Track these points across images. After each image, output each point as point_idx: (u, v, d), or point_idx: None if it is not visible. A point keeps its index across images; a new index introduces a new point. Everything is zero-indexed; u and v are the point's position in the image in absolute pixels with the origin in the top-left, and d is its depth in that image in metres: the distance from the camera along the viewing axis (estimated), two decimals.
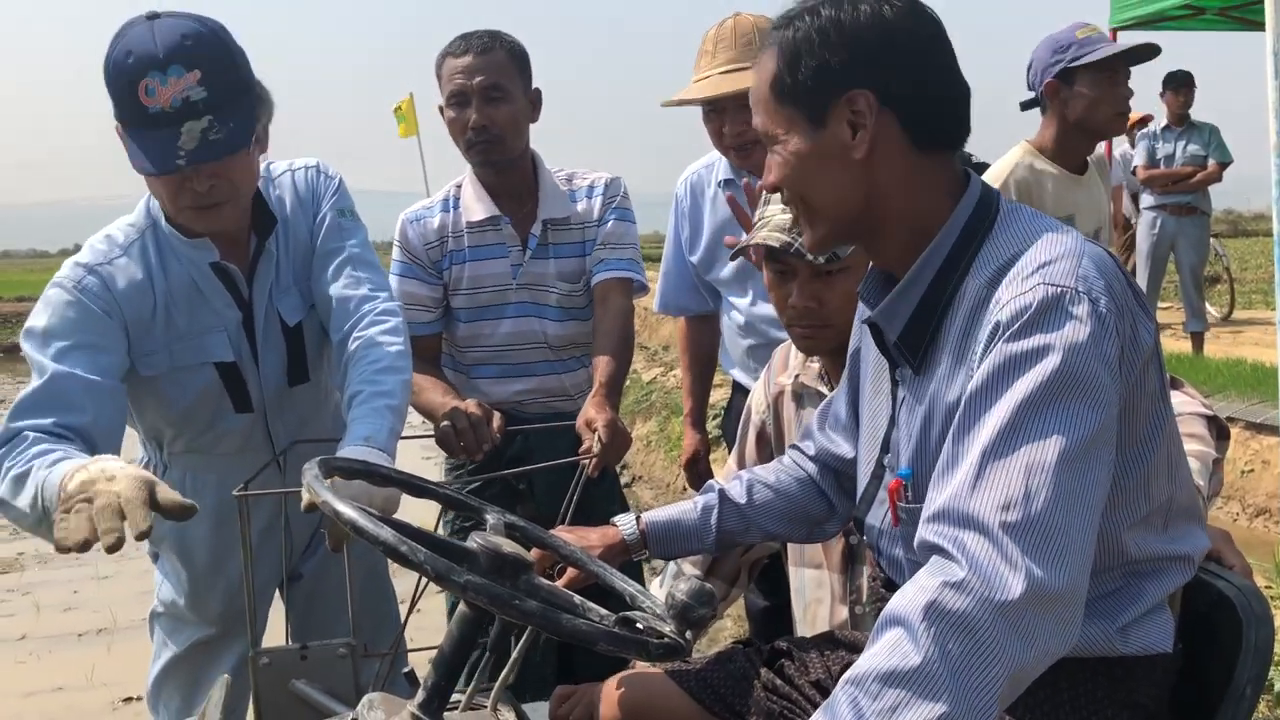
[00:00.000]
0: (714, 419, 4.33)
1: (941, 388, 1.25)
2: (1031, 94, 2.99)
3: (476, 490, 2.17)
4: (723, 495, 1.64)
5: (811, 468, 1.66)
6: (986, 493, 1.08)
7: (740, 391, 2.93)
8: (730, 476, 2.02)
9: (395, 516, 1.20)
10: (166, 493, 1.47)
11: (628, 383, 8.65)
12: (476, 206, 2.46)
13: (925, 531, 1.11)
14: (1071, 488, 1.07)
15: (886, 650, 1.03)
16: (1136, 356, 1.18)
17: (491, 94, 2.34)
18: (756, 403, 2.05)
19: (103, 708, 3.96)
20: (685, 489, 6.41)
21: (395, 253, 2.53)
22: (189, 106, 1.71)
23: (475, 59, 2.34)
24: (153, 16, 1.77)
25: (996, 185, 2.84)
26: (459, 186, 2.52)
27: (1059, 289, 1.14)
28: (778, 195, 1.40)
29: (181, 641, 2.15)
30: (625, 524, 1.62)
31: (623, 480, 6.98)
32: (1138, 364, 1.18)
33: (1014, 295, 1.16)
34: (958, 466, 1.12)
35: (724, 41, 2.46)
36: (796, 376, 1.94)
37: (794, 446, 1.71)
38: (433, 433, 2.21)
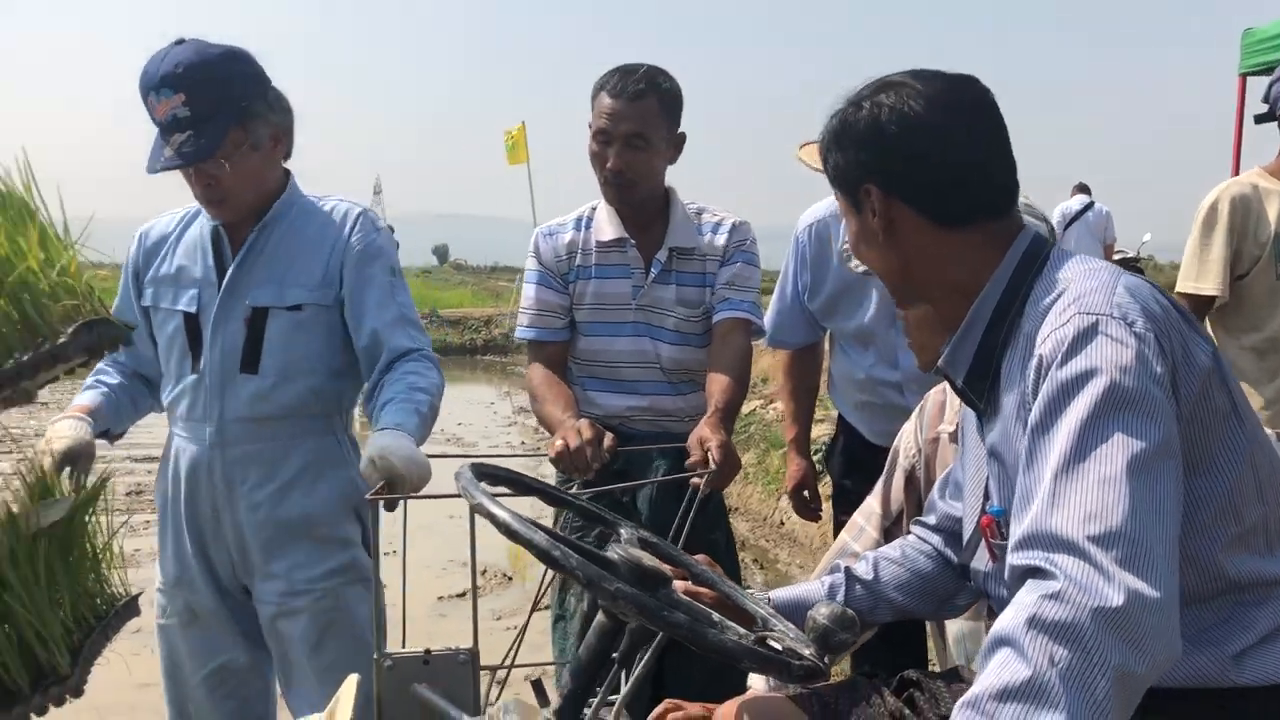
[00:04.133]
0: (815, 453, 4.30)
1: (1009, 426, 1.32)
2: (1266, 106, 2.96)
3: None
4: (849, 574, 1.67)
5: (936, 539, 1.69)
6: (1066, 511, 1.10)
7: (846, 431, 2.91)
8: (854, 532, 2.02)
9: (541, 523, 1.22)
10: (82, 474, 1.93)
11: None
12: (607, 228, 2.53)
13: (1014, 559, 1.14)
14: (1145, 497, 1.10)
15: (996, 669, 1.05)
16: (1192, 375, 1.22)
17: (634, 142, 2.40)
18: (905, 446, 2.05)
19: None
20: (783, 522, 6.37)
21: (529, 263, 2.63)
22: (175, 122, 2.09)
23: (625, 105, 2.38)
24: (178, 42, 2.14)
25: (1210, 200, 2.82)
26: (594, 208, 2.60)
27: (1094, 316, 1.20)
28: None
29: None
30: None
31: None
32: (1195, 383, 1.22)
33: (1053, 329, 1.22)
34: (1034, 495, 1.16)
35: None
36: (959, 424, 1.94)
37: (917, 522, 1.75)
38: (545, 452, 2.26)
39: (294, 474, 2.29)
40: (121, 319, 1.40)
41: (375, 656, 1.78)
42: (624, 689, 1.33)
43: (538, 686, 1.35)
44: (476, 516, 1.83)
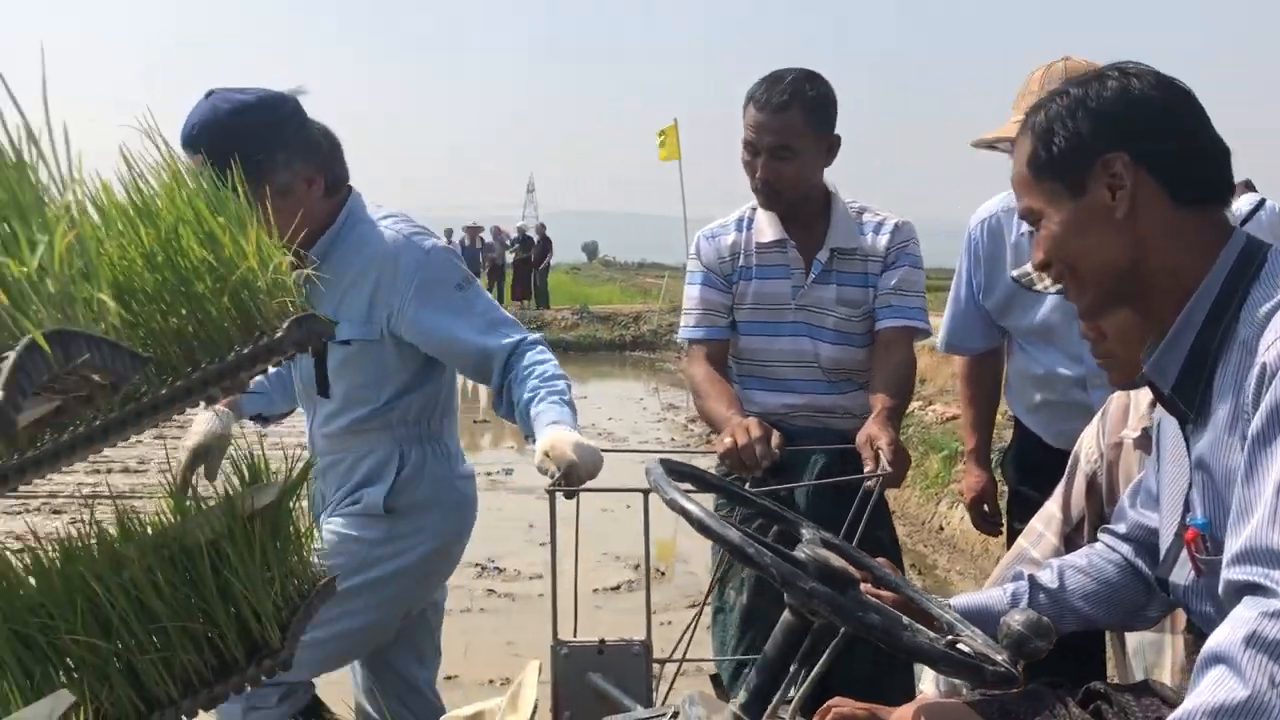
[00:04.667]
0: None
1: (1223, 436, 1.27)
2: None
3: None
4: (1033, 581, 1.63)
5: (1126, 549, 1.63)
6: None
7: (1024, 435, 2.83)
8: (1032, 538, 1.97)
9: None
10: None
11: None
12: (767, 229, 2.55)
13: (1231, 574, 1.11)
14: None
15: (1210, 687, 1.02)
16: None
17: (779, 153, 2.41)
18: (1086, 451, 1.99)
19: None
20: (942, 527, 6.24)
21: (691, 264, 2.68)
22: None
23: (769, 116, 2.38)
24: (209, 95, 2.14)
25: None
26: (754, 209, 2.60)
27: None
28: None
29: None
30: None
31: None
32: None
33: (1277, 336, 1.18)
34: (1254, 508, 1.12)
35: (1052, 83, 2.40)
36: (1145, 429, 1.87)
37: (1105, 529, 1.69)
38: (715, 448, 2.28)
39: (362, 478, 2.41)
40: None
41: (552, 644, 1.82)
42: (802, 687, 1.34)
43: (716, 680, 1.36)
44: (649, 511, 1.88)
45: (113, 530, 1.42)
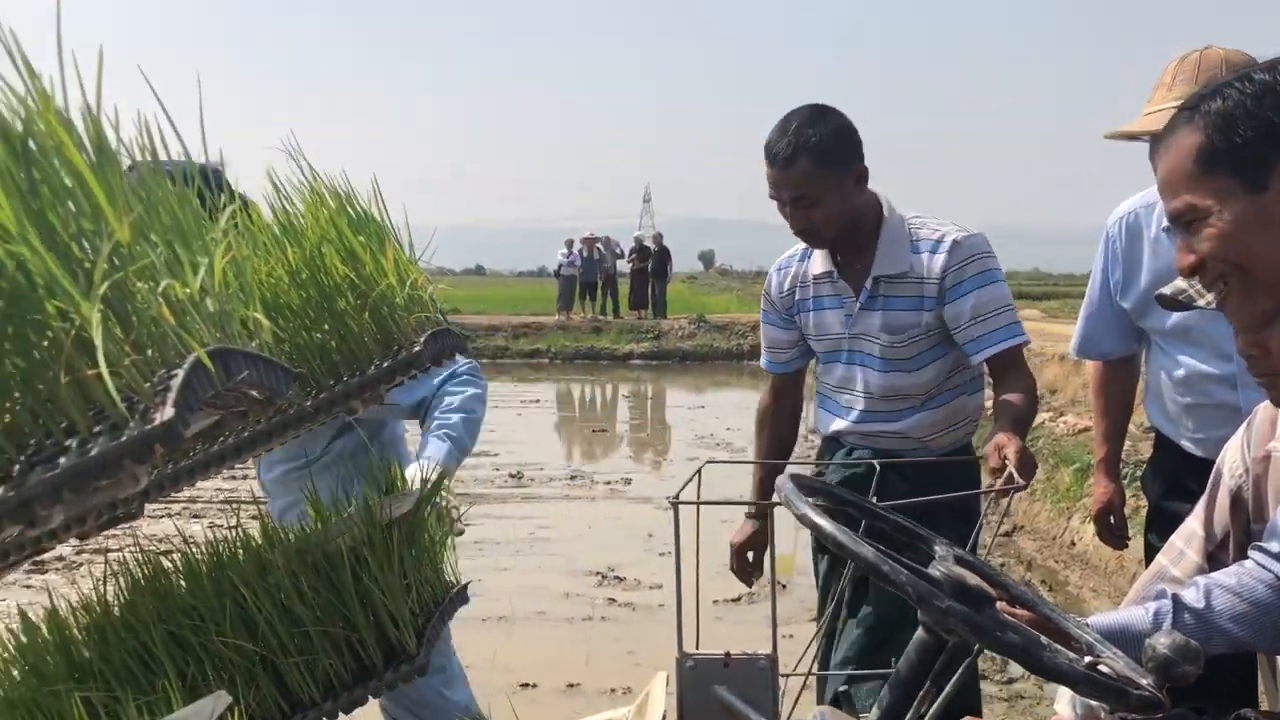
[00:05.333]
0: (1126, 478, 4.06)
1: None
2: None
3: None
4: (1177, 602, 1.55)
5: (1279, 568, 1.55)
6: None
7: (1165, 447, 2.73)
8: (1172, 555, 1.90)
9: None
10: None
11: None
12: (819, 260, 2.58)
13: None
14: None
15: None
16: None
17: (801, 203, 2.37)
18: (1230, 465, 1.90)
19: (504, 689, 4.32)
20: (1074, 542, 6.05)
21: (763, 296, 2.75)
22: None
23: (779, 173, 2.35)
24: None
25: None
26: None
27: None
28: None
29: None
30: None
31: (1004, 528, 6.70)
32: None
33: None
34: None
35: (1184, 75, 2.31)
36: None
37: (1256, 547, 1.60)
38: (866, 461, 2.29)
39: None
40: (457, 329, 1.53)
41: (677, 656, 1.83)
42: (934, 706, 1.31)
43: (845, 696, 1.34)
44: (776, 525, 1.88)
45: (258, 536, 1.49)
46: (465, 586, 1.63)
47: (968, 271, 2.40)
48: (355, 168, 1.50)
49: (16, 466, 0.71)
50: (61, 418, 0.72)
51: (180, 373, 0.73)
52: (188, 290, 0.85)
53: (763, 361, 2.77)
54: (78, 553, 5.96)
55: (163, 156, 0.92)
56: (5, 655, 1.40)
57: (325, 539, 1.43)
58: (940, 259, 2.41)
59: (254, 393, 0.84)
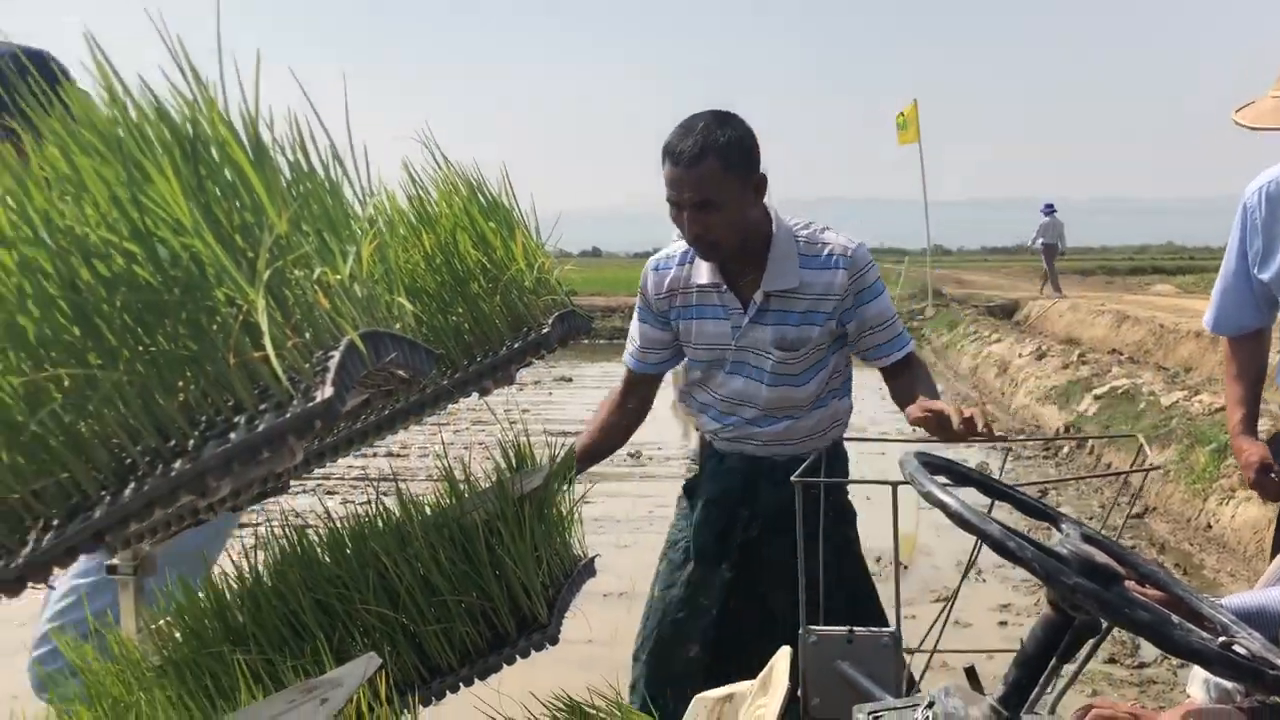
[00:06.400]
0: None
1: None
2: None
3: None
4: None
5: None
6: None
7: None
8: None
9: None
10: None
11: (1142, 405, 8.03)
12: (704, 270, 2.46)
13: None
14: None
15: None
16: None
17: (703, 207, 2.28)
18: None
19: (625, 663, 4.41)
20: (1210, 525, 5.84)
21: (639, 294, 2.62)
22: None
23: (683, 173, 2.26)
24: None
25: None
26: None
27: None
28: None
29: None
30: None
31: (1135, 510, 6.50)
32: None
33: None
34: None
35: None
36: None
37: None
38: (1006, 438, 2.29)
39: None
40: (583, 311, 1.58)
41: (800, 631, 1.85)
42: (1063, 684, 1.31)
43: (971, 673, 1.35)
44: (899, 503, 1.87)
45: (396, 510, 1.56)
46: (592, 560, 1.68)
47: (864, 282, 2.42)
48: (476, 154, 1.55)
49: (191, 441, 0.77)
50: (230, 397, 0.78)
51: (336, 354, 0.78)
52: (338, 277, 0.90)
53: (626, 356, 2.62)
54: None
55: (311, 154, 0.98)
56: (168, 621, 1.50)
57: (460, 513, 1.50)
58: (839, 275, 2.40)
59: (401, 372, 0.89)
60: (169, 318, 0.76)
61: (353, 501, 1.67)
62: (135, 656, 1.44)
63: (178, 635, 1.52)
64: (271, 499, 1.69)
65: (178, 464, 0.76)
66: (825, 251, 2.43)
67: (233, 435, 0.75)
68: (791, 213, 2.54)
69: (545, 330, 1.42)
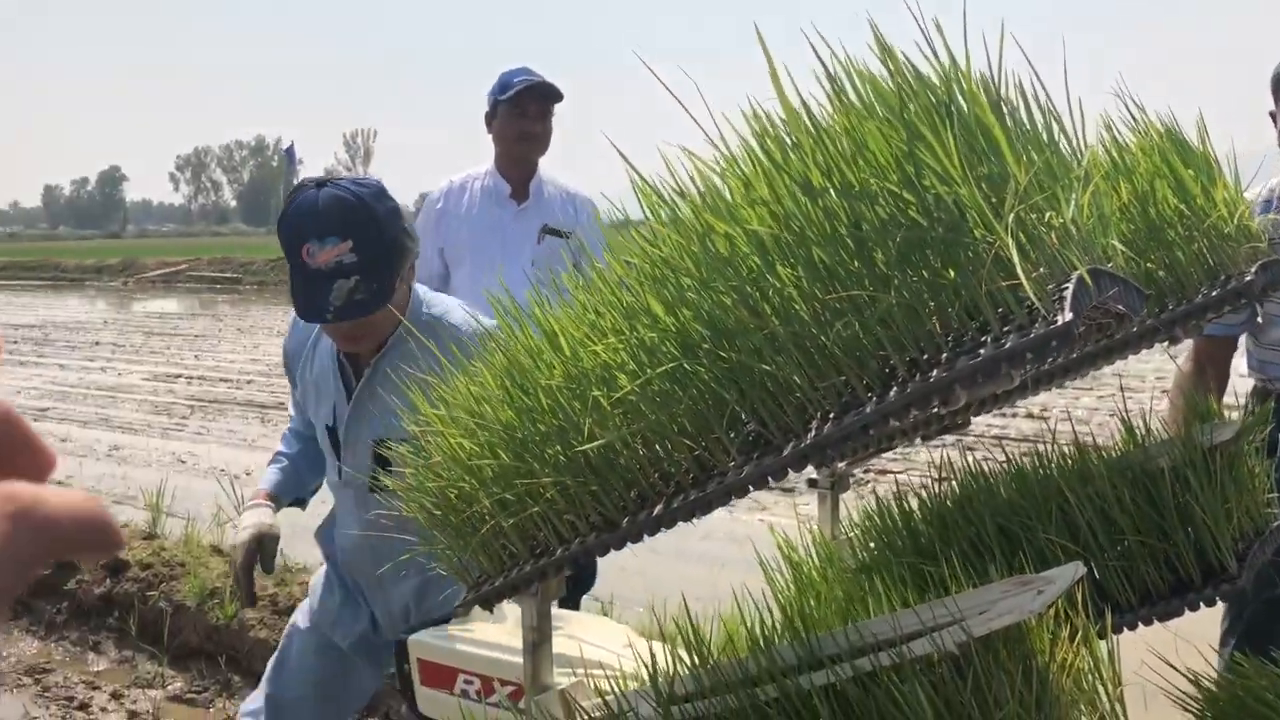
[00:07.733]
0: None
1: None
2: None
3: None
4: None
5: None
6: None
7: None
8: None
9: None
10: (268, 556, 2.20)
11: None
12: None
13: None
14: None
15: None
16: None
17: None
18: None
19: None
20: None
21: None
22: (340, 268, 1.97)
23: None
24: (320, 185, 2.02)
25: None
26: None
27: None
28: None
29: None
30: None
31: None
32: None
33: None
34: None
35: None
36: None
37: None
38: None
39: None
40: None
41: None
42: None
43: None
44: None
45: (1076, 452, 1.63)
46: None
47: None
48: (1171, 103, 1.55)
49: (944, 355, 0.93)
50: (978, 320, 0.93)
51: (1070, 286, 0.89)
52: (1061, 221, 1.01)
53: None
54: (865, 471, 6.68)
55: (1035, 112, 1.09)
56: (879, 530, 1.72)
57: (1145, 458, 1.53)
58: None
59: (1120, 308, 0.98)
60: (931, 251, 0.93)
61: (991, 459, 1.76)
62: (834, 557, 1.69)
63: (871, 544, 1.74)
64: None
65: (934, 373, 0.92)
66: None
67: (981, 351, 0.90)
68: None
69: (1248, 278, 1.40)
